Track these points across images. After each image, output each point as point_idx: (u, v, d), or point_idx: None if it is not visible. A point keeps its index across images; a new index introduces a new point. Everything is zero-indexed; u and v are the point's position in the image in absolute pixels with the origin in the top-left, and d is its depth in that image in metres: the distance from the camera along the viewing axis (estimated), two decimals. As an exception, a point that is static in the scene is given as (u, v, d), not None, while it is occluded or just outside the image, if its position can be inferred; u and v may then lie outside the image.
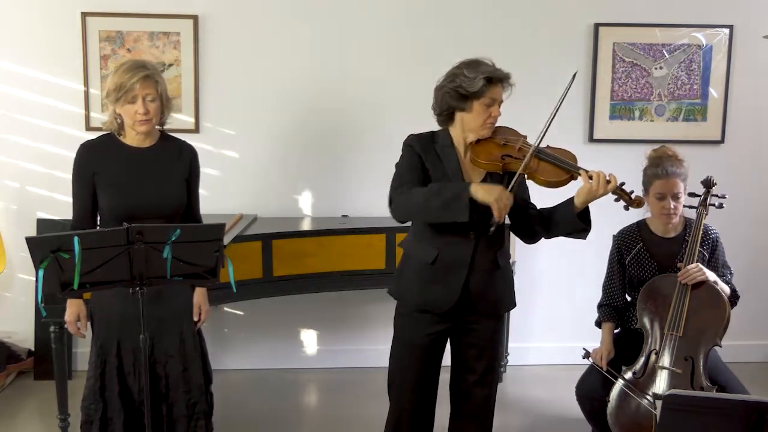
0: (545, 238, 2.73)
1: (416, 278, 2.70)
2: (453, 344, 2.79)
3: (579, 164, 2.60)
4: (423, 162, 2.64)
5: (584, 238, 2.65)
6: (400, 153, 2.70)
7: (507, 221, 2.74)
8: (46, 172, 4.27)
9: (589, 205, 2.59)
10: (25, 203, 4.30)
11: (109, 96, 2.66)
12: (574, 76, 2.62)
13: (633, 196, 2.56)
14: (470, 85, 2.56)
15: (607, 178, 2.53)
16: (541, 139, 2.60)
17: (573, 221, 2.58)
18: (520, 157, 2.58)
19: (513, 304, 2.87)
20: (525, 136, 2.67)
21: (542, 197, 2.78)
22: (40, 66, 4.21)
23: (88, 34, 4.18)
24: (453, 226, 2.58)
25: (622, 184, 2.56)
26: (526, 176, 2.60)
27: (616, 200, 2.59)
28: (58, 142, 4.23)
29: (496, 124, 2.68)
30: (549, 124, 2.60)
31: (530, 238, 2.76)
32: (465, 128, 2.65)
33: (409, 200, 2.56)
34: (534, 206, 2.76)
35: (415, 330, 2.72)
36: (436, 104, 2.70)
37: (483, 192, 2.46)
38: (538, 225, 2.70)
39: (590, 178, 2.51)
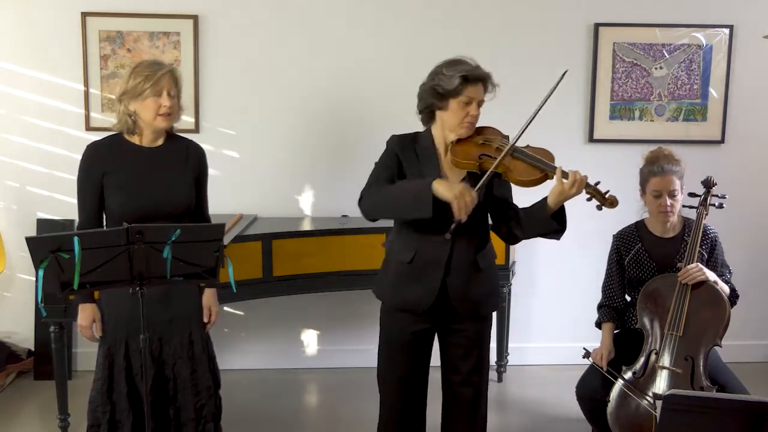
0: (522, 238, 2.69)
1: (396, 278, 2.72)
2: (440, 343, 2.80)
3: (562, 165, 2.53)
4: (400, 161, 2.66)
5: (558, 238, 2.63)
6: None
7: (491, 221, 2.74)
8: (46, 172, 4.27)
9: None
10: (25, 203, 4.30)
11: (127, 93, 2.62)
12: (564, 74, 2.56)
13: (607, 195, 2.48)
14: (447, 83, 2.56)
15: (581, 177, 2.45)
16: (519, 137, 2.57)
17: (546, 221, 2.55)
18: (497, 156, 2.54)
19: (495, 307, 2.84)
20: (507, 136, 2.65)
21: (523, 197, 2.75)
22: (40, 66, 4.21)
23: (88, 34, 4.18)
24: (430, 226, 2.57)
25: (597, 183, 2.50)
26: (503, 175, 2.56)
27: (588, 200, 2.51)
28: (58, 142, 4.23)
29: (482, 125, 2.67)
30: (530, 122, 2.56)
31: (510, 238, 2.74)
32: (444, 127, 2.65)
33: (378, 197, 2.57)
34: (515, 206, 2.72)
35: (398, 328, 2.73)
36: (418, 101, 2.71)
37: (443, 188, 2.45)
38: (516, 226, 2.66)
39: (566, 177, 2.46)
